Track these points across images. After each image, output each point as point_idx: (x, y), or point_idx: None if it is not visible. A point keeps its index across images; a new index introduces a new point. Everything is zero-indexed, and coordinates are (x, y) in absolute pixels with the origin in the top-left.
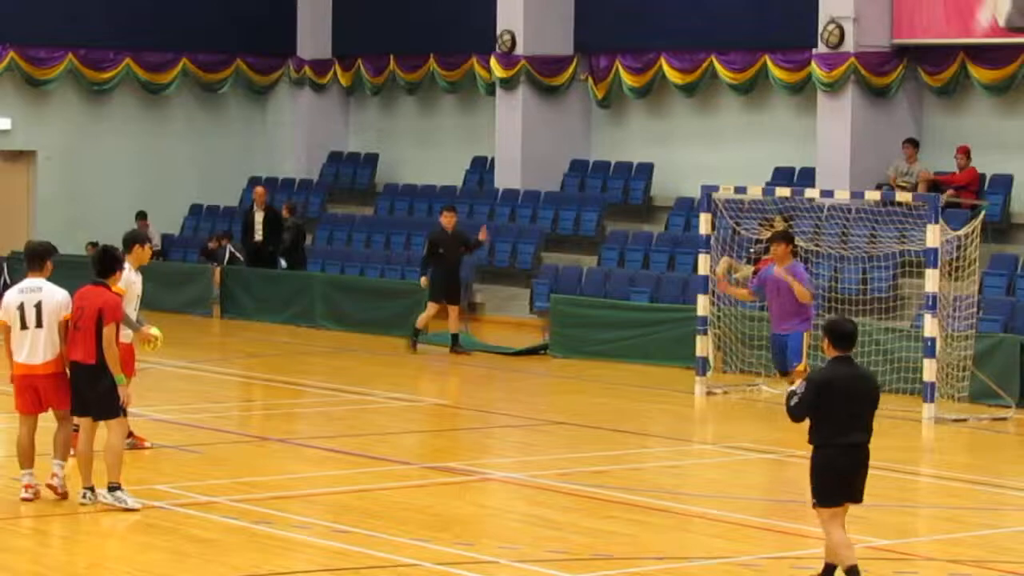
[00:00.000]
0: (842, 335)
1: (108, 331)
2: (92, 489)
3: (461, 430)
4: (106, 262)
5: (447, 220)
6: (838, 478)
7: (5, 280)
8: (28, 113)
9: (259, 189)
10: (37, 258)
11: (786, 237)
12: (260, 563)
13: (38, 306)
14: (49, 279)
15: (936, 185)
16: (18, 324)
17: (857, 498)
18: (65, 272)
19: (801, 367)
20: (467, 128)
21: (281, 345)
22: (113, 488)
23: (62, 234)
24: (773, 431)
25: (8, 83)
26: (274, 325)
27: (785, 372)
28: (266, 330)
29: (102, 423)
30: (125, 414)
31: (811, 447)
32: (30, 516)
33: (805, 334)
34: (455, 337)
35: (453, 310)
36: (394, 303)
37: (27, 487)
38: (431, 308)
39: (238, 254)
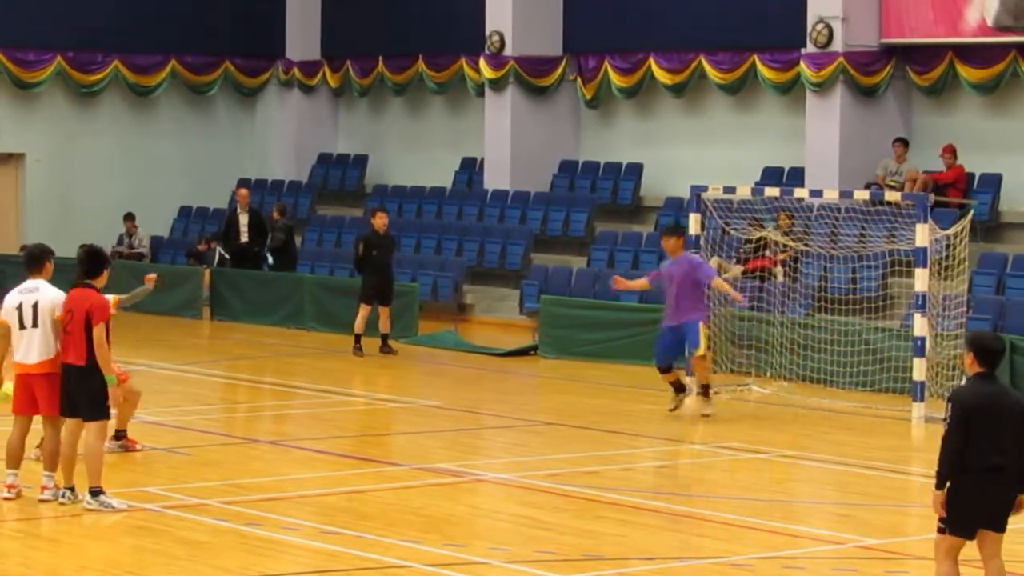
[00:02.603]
0: (989, 352)
1: (98, 332)
2: (72, 489)
3: (451, 431)
4: (93, 263)
5: (380, 221)
6: (977, 503)
7: None
8: (16, 115)
9: (242, 191)
10: (35, 260)
11: (675, 230)
12: (250, 565)
13: (35, 306)
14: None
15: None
16: (17, 324)
17: (997, 525)
18: (55, 274)
19: (700, 352)
20: (456, 129)
21: (270, 347)
22: (96, 492)
23: (51, 236)
24: (762, 431)
25: None
26: (263, 327)
27: (667, 369)
28: (255, 332)
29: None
30: (109, 416)
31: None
32: (18, 519)
33: (701, 323)
34: (385, 338)
35: (384, 311)
36: None
37: (10, 487)
38: (363, 310)
39: (227, 256)
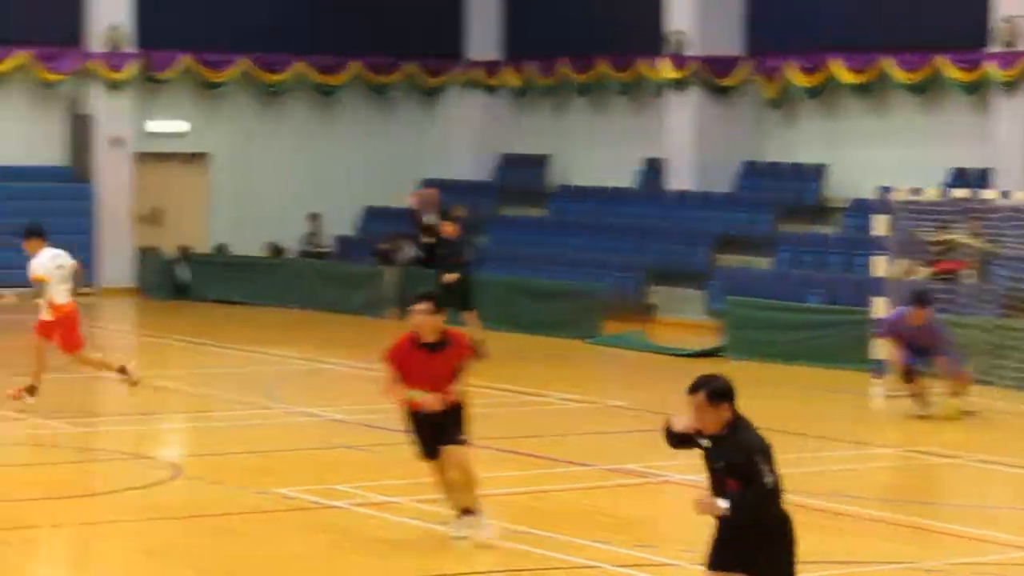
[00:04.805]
0: (732, 394)
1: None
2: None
3: (636, 432)
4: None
5: (448, 229)
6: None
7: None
8: (203, 116)
9: (429, 191)
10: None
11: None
12: (433, 567)
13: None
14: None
15: None
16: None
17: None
18: (236, 271)
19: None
20: (638, 129)
21: None
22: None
23: (235, 234)
24: (952, 433)
25: (184, 87)
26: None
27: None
28: None
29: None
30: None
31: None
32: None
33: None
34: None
35: (468, 316)
36: (569, 304)
37: None
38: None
39: (419, 252)
